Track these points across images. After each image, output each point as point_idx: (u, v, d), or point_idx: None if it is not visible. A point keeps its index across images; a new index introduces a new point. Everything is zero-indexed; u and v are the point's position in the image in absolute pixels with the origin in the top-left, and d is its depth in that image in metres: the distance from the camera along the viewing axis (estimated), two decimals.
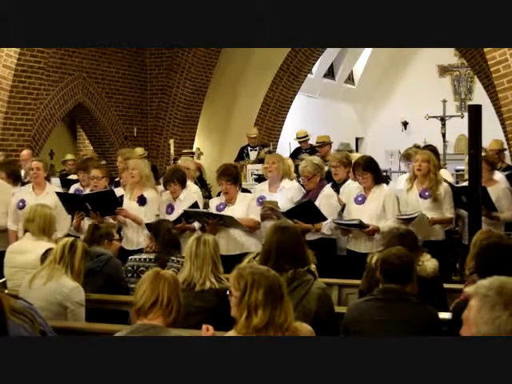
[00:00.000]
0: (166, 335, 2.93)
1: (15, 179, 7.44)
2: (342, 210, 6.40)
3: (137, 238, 6.57)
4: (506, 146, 9.81)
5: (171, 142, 11.02)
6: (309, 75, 14.73)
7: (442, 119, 14.37)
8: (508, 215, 6.68)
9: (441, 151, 11.27)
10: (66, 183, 8.57)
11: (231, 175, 6.38)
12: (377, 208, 6.14)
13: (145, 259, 5.35)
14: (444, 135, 14.19)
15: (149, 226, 5.92)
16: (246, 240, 6.31)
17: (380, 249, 4.71)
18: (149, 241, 5.55)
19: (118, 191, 6.86)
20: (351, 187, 6.47)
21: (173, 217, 6.40)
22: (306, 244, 4.00)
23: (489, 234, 4.44)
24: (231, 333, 3.04)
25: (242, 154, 11.24)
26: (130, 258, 5.49)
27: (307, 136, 11.10)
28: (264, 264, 3.54)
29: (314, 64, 14.33)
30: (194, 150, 12.64)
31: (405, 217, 6.10)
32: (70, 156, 10.86)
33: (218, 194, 7.20)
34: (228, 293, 3.10)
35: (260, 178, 8.84)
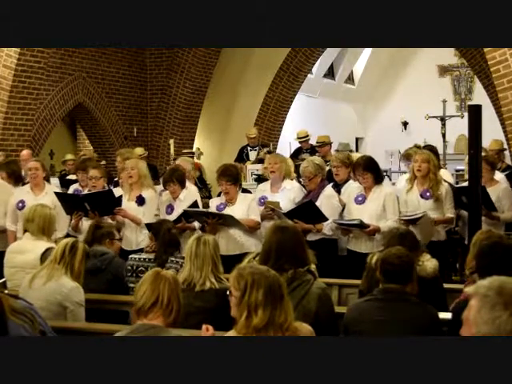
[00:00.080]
0: (166, 335, 2.93)
1: (16, 179, 7.41)
2: (343, 210, 6.40)
3: (136, 239, 6.57)
4: (506, 146, 9.82)
5: (171, 142, 11.02)
6: (309, 75, 14.73)
7: (442, 119, 14.37)
8: (508, 215, 6.67)
9: (441, 151, 11.28)
10: (65, 183, 8.57)
11: (231, 175, 6.38)
12: (377, 208, 6.14)
13: (144, 259, 5.36)
14: (444, 135, 14.19)
15: (149, 226, 5.93)
16: (245, 240, 6.31)
17: (380, 249, 4.71)
18: (149, 241, 5.56)
19: (117, 191, 6.85)
20: (352, 187, 6.47)
21: (173, 217, 6.40)
22: (306, 244, 4.00)
23: (489, 234, 4.44)
24: (231, 333, 3.04)
25: (242, 154, 11.25)
26: (130, 256, 5.50)
27: (308, 136, 11.10)
28: (264, 264, 3.54)
29: (313, 64, 14.33)
30: (193, 149, 12.64)
31: (408, 217, 6.10)
32: (69, 156, 10.85)
33: (219, 194, 7.20)
34: (228, 293, 3.10)
35: (260, 178, 8.84)
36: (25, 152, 8.62)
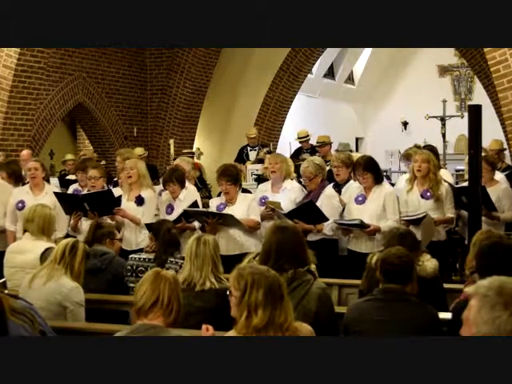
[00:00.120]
0: (166, 335, 2.93)
1: (16, 179, 7.40)
2: (343, 210, 6.39)
3: (135, 239, 6.57)
4: (505, 146, 9.82)
5: (171, 142, 11.01)
6: (309, 75, 14.73)
7: (442, 119, 14.37)
8: (508, 215, 6.67)
9: (441, 151, 11.28)
10: (65, 183, 8.57)
11: (231, 175, 6.37)
12: (377, 208, 6.14)
13: (144, 259, 5.36)
14: (444, 135, 14.19)
15: (149, 226, 5.93)
16: (245, 240, 6.31)
17: (381, 249, 4.71)
18: (149, 241, 5.56)
19: (117, 191, 6.85)
20: (353, 187, 6.46)
21: (173, 217, 6.40)
22: (306, 244, 4.00)
23: (488, 234, 4.44)
24: (231, 333, 3.04)
25: (242, 155, 11.25)
26: (130, 256, 5.50)
27: (308, 136, 11.10)
28: (264, 264, 3.53)
29: (314, 64, 14.33)
30: (193, 149, 12.64)
31: (410, 218, 6.10)
32: (69, 156, 10.85)
33: (219, 194, 7.20)
34: (228, 293, 3.10)
35: (260, 178, 8.84)
36: (25, 152, 8.61)
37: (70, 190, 7.68)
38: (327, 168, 6.97)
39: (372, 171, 6.17)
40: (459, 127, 13.58)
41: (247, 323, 2.92)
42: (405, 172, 8.25)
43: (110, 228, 5.76)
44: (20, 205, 6.80)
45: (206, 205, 6.84)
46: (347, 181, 6.70)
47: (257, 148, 11.14)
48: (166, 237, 5.31)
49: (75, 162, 9.53)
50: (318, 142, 10.08)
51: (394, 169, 14.96)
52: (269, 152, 10.29)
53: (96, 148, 12.44)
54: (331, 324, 3.78)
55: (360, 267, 4.75)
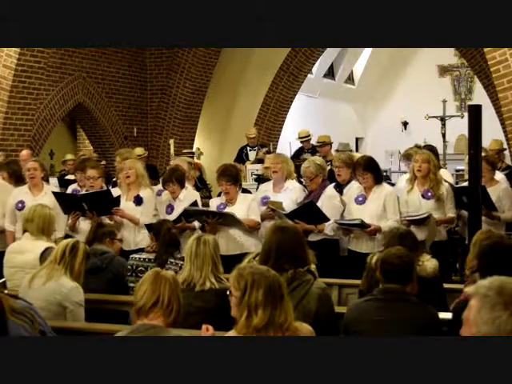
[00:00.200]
0: (166, 335, 2.93)
1: (17, 179, 7.38)
2: (344, 210, 6.39)
3: (134, 239, 6.57)
4: (505, 146, 9.82)
5: (171, 141, 11.01)
6: (309, 75, 14.73)
7: (442, 119, 14.38)
8: (509, 215, 6.67)
9: (441, 151, 11.28)
10: (64, 183, 8.56)
11: (231, 175, 6.37)
12: (377, 208, 6.14)
13: (144, 259, 5.36)
14: (444, 135, 14.20)
15: (149, 226, 5.93)
16: (245, 240, 6.31)
17: (381, 249, 4.71)
18: (148, 240, 5.56)
19: (116, 191, 6.85)
20: (354, 188, 6.45)
21: (173, 217, 6.40)
22: (306, 244, 4.00)
23: (489, 234, 4.44)
24: (231, 333, 3.04)
25: (241, 155, 11.24)
26: (130, 256, 5.50)
27: (309, 136, 11.09)
28: (264, 264, 3.53)
29: (314, 64, 14.33)
30: (193, 149, 12.64)
31: (413, 218, 6.09)
32: (69, 156, 10.86)
33: (219, 194, 7.20)
34: (228, 293, 3.10)
35: (260, 178, 8.84)
36: (24, 152, 8.60)
37: (69, 190, 7.67)
38: (328, 168, 6.96)
39: (372, 171, 6.17)
40: (459, 127, 13.59)
41: (247, 323, 2.92)
42: (405, 172, 8.25)
43: (111, 228, 5.77)
44: (19, 205, 6.79)
45: (205, 205, 6.84)
46: (349, 181, 6.69)
47: (256, 148, 11.14)
48: (166, 237, 5.32)
49: (75, 162, 9.53)
50: (318, 142, 10.07)
51: (394, 169, 14.96)
52: (268, 152, 10.29)
53: (96, 148, 12.44)
54: (331, 324, 3.78)
55: (361, 267, 4.75)
